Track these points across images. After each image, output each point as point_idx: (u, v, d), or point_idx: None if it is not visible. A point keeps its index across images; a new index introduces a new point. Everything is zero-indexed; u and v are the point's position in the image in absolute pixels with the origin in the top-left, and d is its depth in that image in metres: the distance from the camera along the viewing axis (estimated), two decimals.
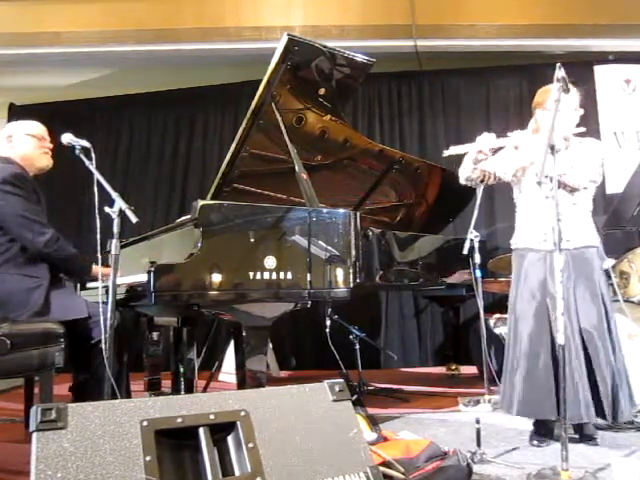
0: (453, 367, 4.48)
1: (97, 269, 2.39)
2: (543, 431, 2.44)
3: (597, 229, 2.50)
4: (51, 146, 2.62)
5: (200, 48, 5.16)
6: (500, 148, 2.56)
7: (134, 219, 2.02)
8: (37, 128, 2.55)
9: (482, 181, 2.63)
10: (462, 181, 2.65)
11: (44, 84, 5.88)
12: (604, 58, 5.19)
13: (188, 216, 2.45)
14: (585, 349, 2.29)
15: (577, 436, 2.41)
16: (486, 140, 2.48)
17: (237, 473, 1.38)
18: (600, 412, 2.25)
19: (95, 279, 2.40)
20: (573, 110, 2.38)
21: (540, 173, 1.96)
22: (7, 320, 2.21)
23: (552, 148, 1.99)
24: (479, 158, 2.51)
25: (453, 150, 2.59)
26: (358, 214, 2.74)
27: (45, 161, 2.58)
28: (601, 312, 2.34)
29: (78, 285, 3.03)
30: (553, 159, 1.99)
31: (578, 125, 2.43)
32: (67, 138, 2.40)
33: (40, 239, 2.36)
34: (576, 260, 2.37)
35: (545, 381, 2.28)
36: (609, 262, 3.07)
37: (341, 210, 2.72)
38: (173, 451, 1.36)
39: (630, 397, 2.33)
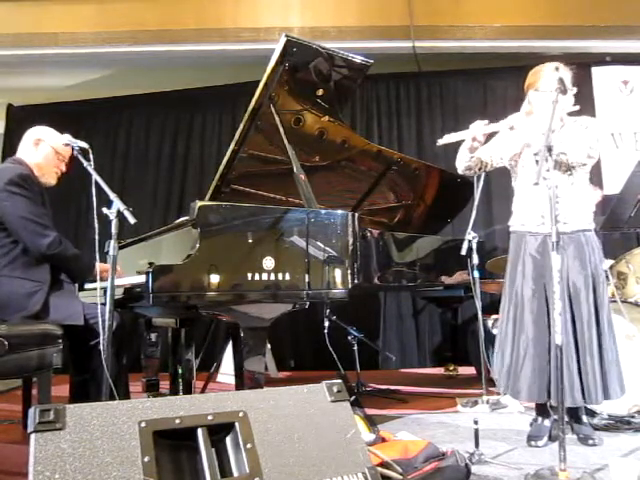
0: (451, 368, 4.48)
1: (98, 267, 2.40)
2: (544, 412, 2.48)
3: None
4: (64, 170, 2.63)
5: (198, 49, 5.17)
6: (494, 133, 2.56)
7: (132, 220, 2.02)
8: (65, 148, 2.53)
9: (480, 169, 2.64)
10: (460, 171, 2.65)
11: (42, 85, 5.88)
12: (601, 59, 5.21)
13: (186, 217, 2.45)
14: (575, 334, 2.31)
15: (575, 436, 2.42)
16: (479, 126, 2.49)
17: (235, 474, 1.38)
18: (588, 396, 2.27)
19: (96, 278, 2.40)
20: (569, 90, 2.36)
21: (538, 174, 1.96)
22: (4, 322, 2.21)
23: (550, 149, 2.00)
24: (474, 146, 2.52)
25: (447, 138, 2.59)
26: (356, 215, 2.75)
27: (52, 180, 2.59)
28: (589, 296, 2.34)
29: (76, 286, 3.02)
30: (551, 160, 2.00)
31: (573, 104, 2.43)
32: (65, 139, 2.41)
33: (42, 242, 2.36)
34: (572, 245, 2.38)
35: (547, 365, 2.30)
36: (607, 263, 3.09)
37: (339, 211, 2.72)
38: (171, 452, 1.36)
39: (621, 376, 2.35)
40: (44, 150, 2.54)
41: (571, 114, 2.45)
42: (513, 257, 2.52)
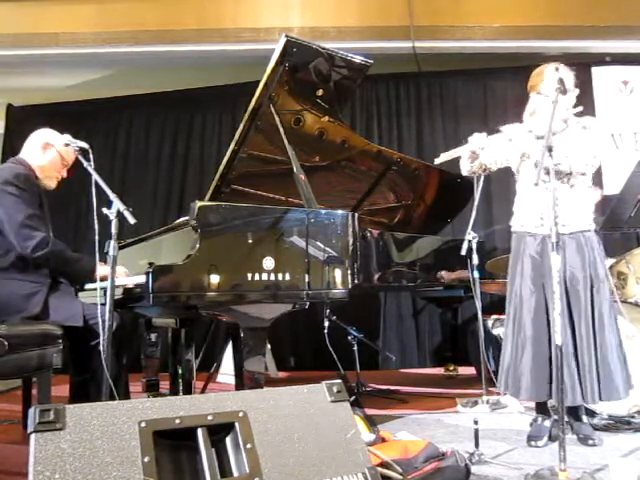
0: (451, 368, 4.48)
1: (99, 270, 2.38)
2: (544, 412, 2.49)
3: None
4: (65, 176, 2.63)
5: (199, 49, 5.17)
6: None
7: (132, 220, 2.01)
8: (71, 155, 2.54)
9: (485, 170, 2.65)
10: (465, 174, 2.68)
11: (42, 85, 5.88)
12: (601, 59, 5.20)
13: (186, 217, 2.45)
14: (573, 334, 2.31)
15: (575, 436, 2.42)
16: (477, 140, 2.49)
17: (235, 474, 1.38)
18: (585, 395, 2.26)
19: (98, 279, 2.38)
20: (570, 91, 2.37)
21: (537, 175, 1.96)
22: (4, 322, 2.21)
23: (550, 150, 2.00)
24: (474, 157, 2.55)
25: (444, 157, 2.60)
26: (356, 215, 2.75)
27: (52, 184, 2.60)
28: (587, 296, 2.34)
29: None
30: (551, 160, 2.00)
31: (575, 105, 2.44)
32: (65, 139, 2.40)
33: (27, 244, 2.33)
34: (571, 245, 2.38)
35: (547, 364, 2.30)
36: (607, 263, 3.08)
37: (339, 211, 2.72)
38: (171, 452, 1.36)
39: (626, 377, 2.34)
40: (51, 154, 2.55)
41: (575, 114, 2.45)
42: (513, 258, 2.53)
